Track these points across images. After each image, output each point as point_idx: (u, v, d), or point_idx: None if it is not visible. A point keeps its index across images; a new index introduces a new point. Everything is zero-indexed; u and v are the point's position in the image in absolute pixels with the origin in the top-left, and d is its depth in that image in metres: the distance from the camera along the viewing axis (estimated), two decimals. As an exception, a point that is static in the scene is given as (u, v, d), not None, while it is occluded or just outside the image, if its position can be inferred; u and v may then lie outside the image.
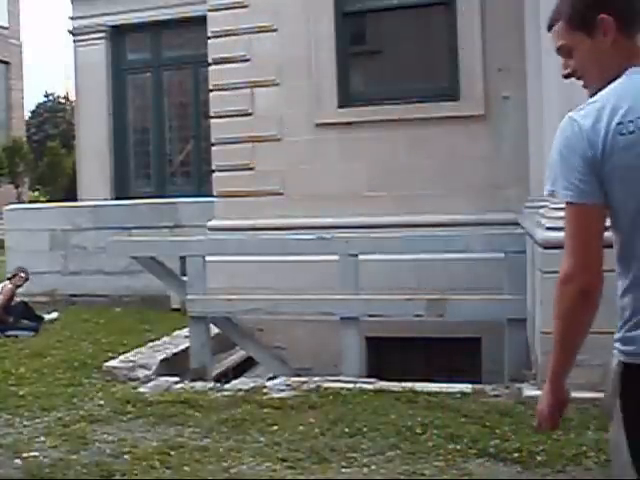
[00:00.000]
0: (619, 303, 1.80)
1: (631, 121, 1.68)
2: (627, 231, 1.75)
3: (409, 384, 5.29)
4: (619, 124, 1.68)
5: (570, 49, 1.86)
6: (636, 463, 1.74)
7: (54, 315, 8.64)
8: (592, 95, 1.85)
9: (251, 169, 7.98)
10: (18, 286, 8.47)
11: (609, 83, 1.78)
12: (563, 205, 1.76)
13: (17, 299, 8.52)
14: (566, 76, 1.92)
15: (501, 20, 7.23)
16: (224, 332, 7.08)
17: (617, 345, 1.80)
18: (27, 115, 31.71)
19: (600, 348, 4.89)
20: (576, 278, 1.73)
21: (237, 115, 8.05)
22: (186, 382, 5.79)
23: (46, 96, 36.56)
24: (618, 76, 1.77)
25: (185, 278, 6.76)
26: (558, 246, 5.34)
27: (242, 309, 6.59)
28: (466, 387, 5.22)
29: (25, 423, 4.87)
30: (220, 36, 8.16)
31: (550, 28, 1.91)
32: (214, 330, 6.88)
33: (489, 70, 7.26)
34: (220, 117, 8.19)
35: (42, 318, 8.34)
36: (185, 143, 13.12)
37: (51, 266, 9.87)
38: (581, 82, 1.91)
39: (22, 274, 8.55)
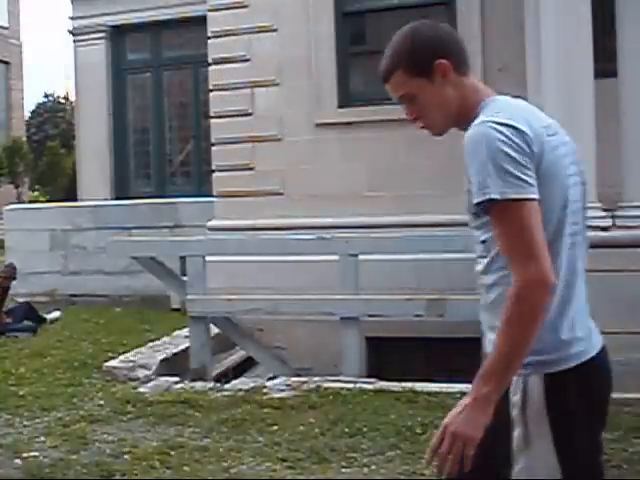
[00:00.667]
0: None
1: (546, 126, 1.81)
2: (552, 229, 1.76)
3: (409, 384, 5.29)
4: (543, 127, 1.79)
5: (413, 96, 1.90)
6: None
7: (57, 314, 8.62)
8: (437, 135, 1.93)
9: (251, 169, 7.97)
10: (7, 285, 8.35)
11: (462, 121, 1.85)
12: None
13: (20, 300, 8.49)
14: (413, 120, 1.95)
15: (501, 20, 7.23)
16: (224, 332, 7.08)
17: (536, 359, 1.73)
18: (27, 115, 31.68)
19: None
20: (545, 280, 1.65)
21: (237, 115, 8.05)
22: (186, 382, 5.78)
23: (46, 96, 36.52)
24: (470, 112, 1.84)
25: (185, 278, 6.76)
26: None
27: (242, 309, 6.58)
28: (466, 387, 5.19)
29: (25, 423, 4.87)
30: (220, 36, 8.15)
31: (386, 80, 1.92)
32: (214, 330, 6.87)
33: (489, 70, 7.26)
34: (220, 117, 8.18)
35: (44, 320, 8.31)
36: (185, 143, 13.12)
37: (51, 266, 9.87)
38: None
39: (7, 271, 8.41)
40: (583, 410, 1.77)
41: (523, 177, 1.68)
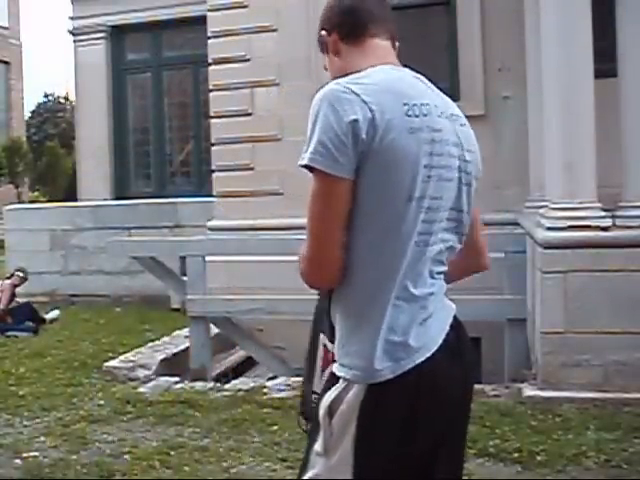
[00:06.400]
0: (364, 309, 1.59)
1: (413, 106, 1.60)
2: (386, 220, 1.60)
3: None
4: (407, 104, 1.60)
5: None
6: None
7: (55, 313, 8.64)
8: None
9: (251, 169, 7.97)
10: (16, 285, 8.46)
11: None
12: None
13: (20, 300, 8.51)
14: None
15: (501, 20, 7.23)
16: (224, 332, 7.08)
17: (361, 364, 1.57)
18: (27, 115, 31.67)
19: (600, 348, 4.89)
20: (308, 277, 1.62)
21: (237, 115, 8.05)
22: (186, 382, 5.78)
23: (46, 96, 36.51)
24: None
25: (185, 278, 6.76)
26: (558, 246, 5.33)
27: (242, 309, 6.58)
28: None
29: (25, 423, 4.87)
30: (220, 36, 8.15)
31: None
32: (214, 330, 6.87)
33: (489, 70, 7.26)
34: (220, 117, 8.18)
35: (44, 320, 8.33)
36: (185, 143, 13.11)
37: (51, 266, 9.87)
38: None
39: (20, 274, 8.56)
40: (397, 427, 1.58)
41: (334, 152, 1.52)
